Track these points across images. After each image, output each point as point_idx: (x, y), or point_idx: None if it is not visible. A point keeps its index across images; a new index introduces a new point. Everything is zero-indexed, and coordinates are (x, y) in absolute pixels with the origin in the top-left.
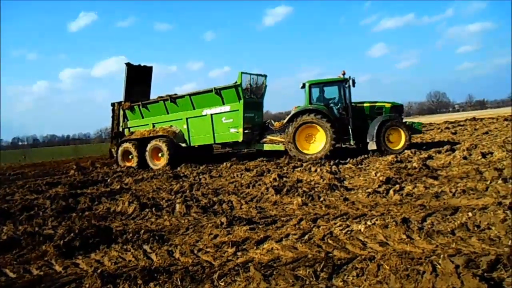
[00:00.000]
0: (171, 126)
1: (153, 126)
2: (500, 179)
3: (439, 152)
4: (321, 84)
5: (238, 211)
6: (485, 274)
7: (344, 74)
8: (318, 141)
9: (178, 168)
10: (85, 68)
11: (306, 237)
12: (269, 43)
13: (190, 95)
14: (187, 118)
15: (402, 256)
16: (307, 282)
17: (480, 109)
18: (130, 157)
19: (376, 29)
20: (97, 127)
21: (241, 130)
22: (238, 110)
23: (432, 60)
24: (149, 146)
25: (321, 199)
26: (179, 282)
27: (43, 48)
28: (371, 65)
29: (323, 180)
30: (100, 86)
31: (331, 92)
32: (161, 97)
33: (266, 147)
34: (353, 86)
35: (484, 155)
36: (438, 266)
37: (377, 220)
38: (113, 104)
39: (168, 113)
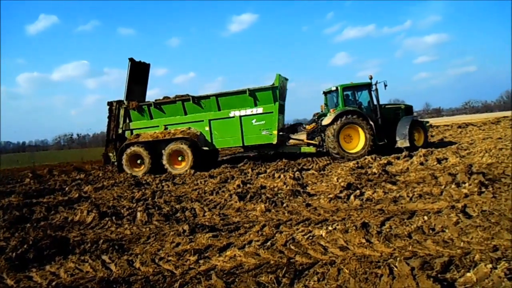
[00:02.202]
0: (190, 128)
1: (165, 128)
2: (454, 183)
3: (398, 158)
4: (352, 88)
5: (201, 219)
6: (439, 275)
7: (371, 78)
8: (356, 141)
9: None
10: (44, 73)
11: (268, 243)
12: (235, 50)
13: (217, 95)
14: (209, 120)
15: (362, 260)
16: None
17: (436, 116)
18: (138, 162)
19: (339, 39)
20: (55, 133)
21: (275, 132)
22: (272, 112)
23: (391, 69)
24: (167, 149)
25: (284, 205)
26: None
27: None
28: (334, 74)
29: (286, 186)
30: (60, 91)
31: (361, 95)
32: (179, 96)
33: (303, 149)
34: (385, 88)
35: (439, 161)
36: (395, 269)
37: (338, 225)
38: (110, 103)
39: (185, 114)
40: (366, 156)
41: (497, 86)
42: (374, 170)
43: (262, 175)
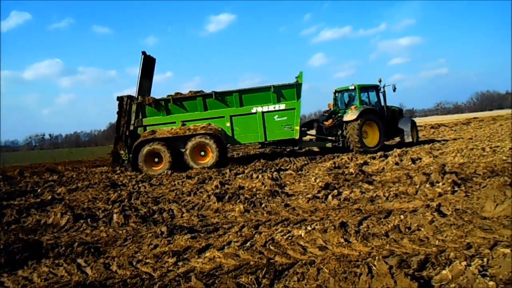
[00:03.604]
0: (210, 124)
1: (183, 124)
2: (428, 183)
3: (374, 158)
4: (365, 88)
5: (179, 220)
6: (416, 273)
7: (380, 81)
8: (371, 137)
9: (116, 176)
10: (16, 71)
11: (248, 244)
12: (212, 50)
13: (240, 92)
14: (231, 116)
15: (341, 260)
16: None
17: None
18: (156, 160)
19: (316, 40)
20: (26, 133)
21: (297, 128)
22: (295, 108)
23: (367, 71)
24: (190, 144)
25: (263, 205)
26: None
27: None
28: (311, 74)
29: (264, 187)
30: (32, 90)
31: (370, 95)
32: (198, 92)
33: (328, 145)
34: (394, 91)
35: (413, 161)
36: (374, 268)
37: (316, 225)
38: (121, 98)
39: (205, 110)
40: (342, 157)
41: (467, 88)
42: (351, 170)
43: (240, 176)
